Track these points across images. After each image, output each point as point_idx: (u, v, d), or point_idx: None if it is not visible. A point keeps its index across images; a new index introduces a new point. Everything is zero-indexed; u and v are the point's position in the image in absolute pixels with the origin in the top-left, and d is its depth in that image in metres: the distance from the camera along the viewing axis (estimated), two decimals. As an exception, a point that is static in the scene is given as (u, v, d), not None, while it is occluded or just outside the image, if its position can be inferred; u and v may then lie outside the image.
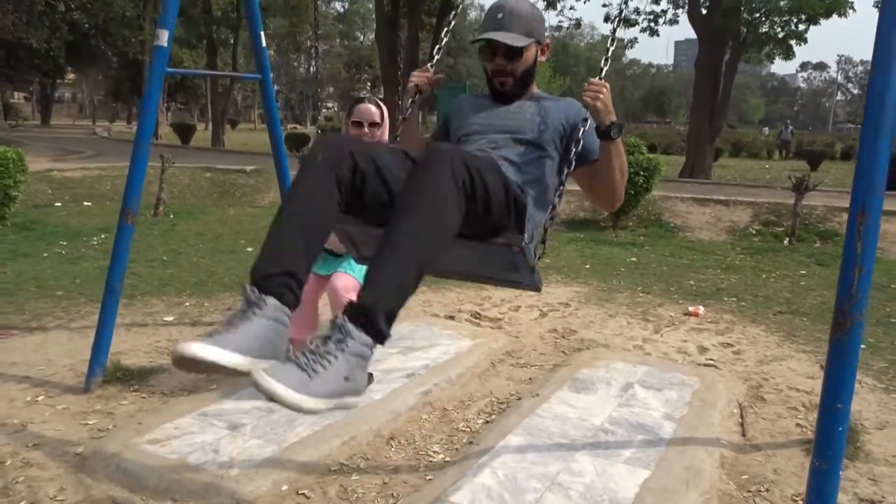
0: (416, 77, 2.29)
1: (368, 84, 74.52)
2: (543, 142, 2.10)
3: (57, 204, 9.96)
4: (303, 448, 2.90)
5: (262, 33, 4.10)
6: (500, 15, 2.13)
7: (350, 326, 1.52)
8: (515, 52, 2.14)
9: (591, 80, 2.01)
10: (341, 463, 2.87)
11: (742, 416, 3.47)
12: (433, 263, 1.63)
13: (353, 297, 3.27)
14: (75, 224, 8.35)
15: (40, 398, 3.40)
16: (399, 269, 1.56)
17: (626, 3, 2.45)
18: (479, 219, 1.71)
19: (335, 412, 1.80)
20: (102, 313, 3.55)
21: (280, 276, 1.63)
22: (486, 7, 2.29)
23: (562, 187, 1.99)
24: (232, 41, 27.13)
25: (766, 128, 61.12)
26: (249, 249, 7.37)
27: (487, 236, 1.83)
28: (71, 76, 50.83)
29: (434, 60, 2.44)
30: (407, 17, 21.67)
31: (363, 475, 2.80)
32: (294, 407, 1.46)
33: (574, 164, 1.98)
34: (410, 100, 2.29)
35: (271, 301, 1.61)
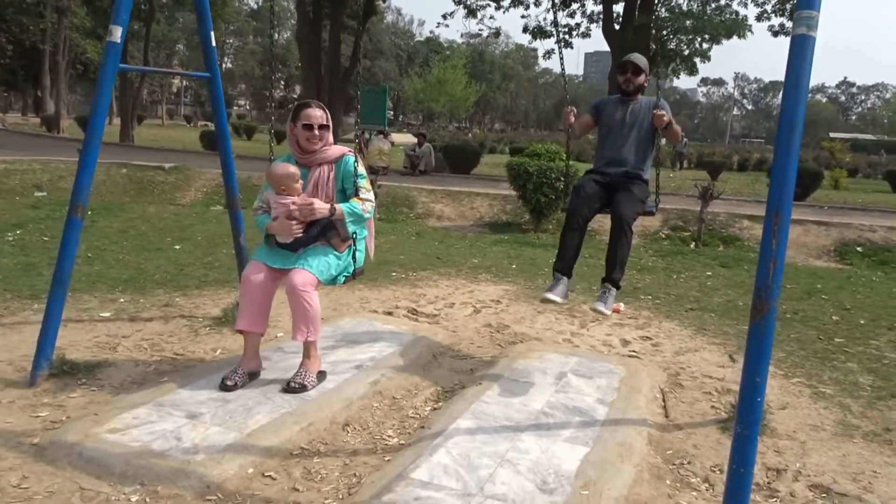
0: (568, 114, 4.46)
1: (283, 83, 73.25)
2: (644, 130, 4.25)
3: (-39, 198, 9.43)
4: (264, 434, 3.01)
5: (212, 33, 4.16)
6: (631, 57, 4.25)
7: (611, 287, 4.02)
8: (637, 71, 4.21)
9: (660, 111, 4.02)
10: (302, 447, 3.00)
11: (664, 400, 3.83)
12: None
13: (312, 292, 3.44)
14: (-15, 219, 7.96)
15: (-17, 393, 3.35)
16: (622, 260, 4.05)
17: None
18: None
19: (292, 402, 3.06)
20: (49, 306, 3.53)
21: (565, 268, 4.03)
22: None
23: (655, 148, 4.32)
24: (143, 34, 26.11)
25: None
26: (178, 247, 7.28)
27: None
28: (-41, 62, 47.41)
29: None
30: (329, 18, 21.61)
31: (324, 458, 2.94)
32: (604, 314, 3.93)
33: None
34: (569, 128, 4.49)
35: (563, 278, 3.98)
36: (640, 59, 4.18)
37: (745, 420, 2.28)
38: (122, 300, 5.09)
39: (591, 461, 2.93)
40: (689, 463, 3.09)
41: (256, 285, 3.50)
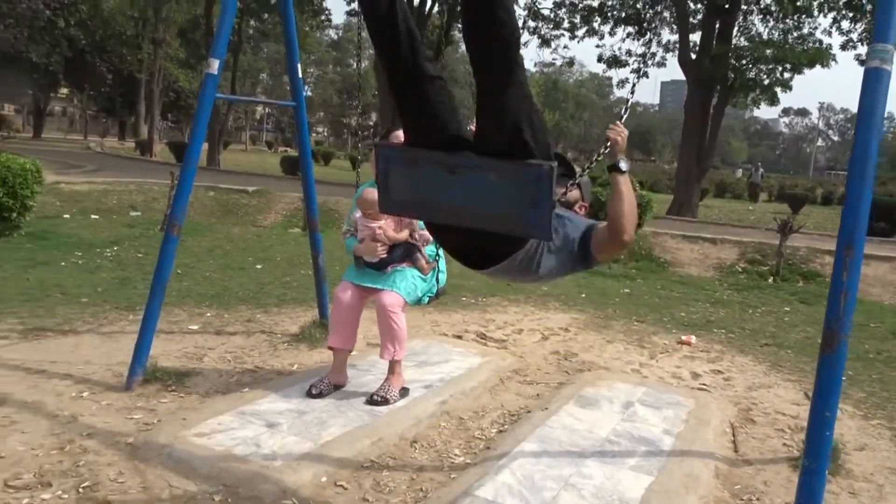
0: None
1: (360, 111, 75.26)
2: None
3: (66, 216, 10.15)
4: (337, 445, 3.16)
5: (299, 65, 4.43)
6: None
7: None
8: (568, 182, 2.44)
9: (618, 123, 2.37)
10: (372, 460, 3.13)
11: (734, 435, 3.77)
12: None
13: (399, 313, 3.58)
14: (87, 236, 8.55)
15: (85, 394, 3.63)
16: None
17: (644, 62, 2.84)
18: (521, 117, 1.89)
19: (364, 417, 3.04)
20: (146, 317, 3.81)
21: None
22: None
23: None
24: (231, 63, 27.45)
25: (740, 169, 61.46)
26: (259, 267, 7.63)
27: (518, 148, 1.90)
28: (64, 90, 50.99)
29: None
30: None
31: (393, 472, 3.06)
32: None
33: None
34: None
35: None
36: None
37: (814, 454, 2.27)
38: (208, 314, 5.40)
39: (656, 490, 2.93)
40: (757, 499, 3.05)
41: (346, 305, 3.72)
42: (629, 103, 2.45)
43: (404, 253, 3.73)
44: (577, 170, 2.48)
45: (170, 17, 31.72)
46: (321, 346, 4.61)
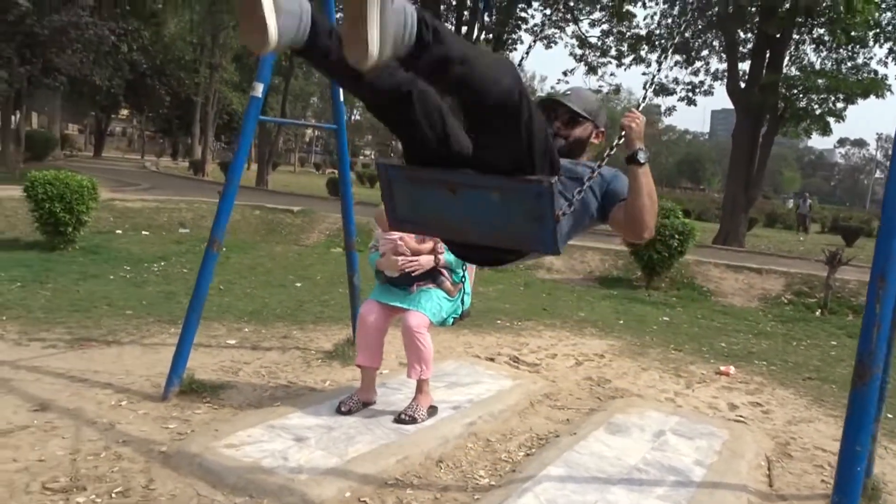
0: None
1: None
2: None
3: (118, 231, 10.53)
4: (362, 462, 3.19)
5: (341, 90, 4.55)
6: (568, 91, 2.40)
7: None
8: (573, 119, 2.31)
9: (633, 110, 2.22)
10: (396, 478, 3.15)
11: (769, 469, 3.67)
12: None
13: (425, 333, 3.59)
14: (136, 251, 8.85)
15: (123, 403, 3.76)
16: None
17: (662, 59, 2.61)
18: (519, 136, 1.74)
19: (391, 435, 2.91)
20: (184, 329, 3.93)
21: None
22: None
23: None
24: (283, 88, 28.23)
25: (791, 200, 59.44)
26: (298, 285, 7.77)
27: (520, 168, 1.79)
28: (124, 112, 53.06)
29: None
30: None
31: (416, 490, 3.07)
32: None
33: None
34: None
35: None
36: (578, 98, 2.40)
37: (843, 490, 2.21)
38: (246, 330, 5.52)
39: (683, 521, 2.88)
40: (790, 535, 2.96)
41: (371, 324, 3.78)
42: (650, 89, 2.24)
43: (427, 274, 3.76)
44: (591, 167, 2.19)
45: (227, 44, 32.84)
46: (353, 363, 4.66)
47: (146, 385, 4.06)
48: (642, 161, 2.09)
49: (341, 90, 4.58)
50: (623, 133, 2.12)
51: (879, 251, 2.28)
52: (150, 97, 37.96)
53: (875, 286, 2.26)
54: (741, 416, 4.50)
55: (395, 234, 3.73)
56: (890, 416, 4.71)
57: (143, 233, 10.75)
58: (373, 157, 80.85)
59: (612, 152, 2.14)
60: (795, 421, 4.51)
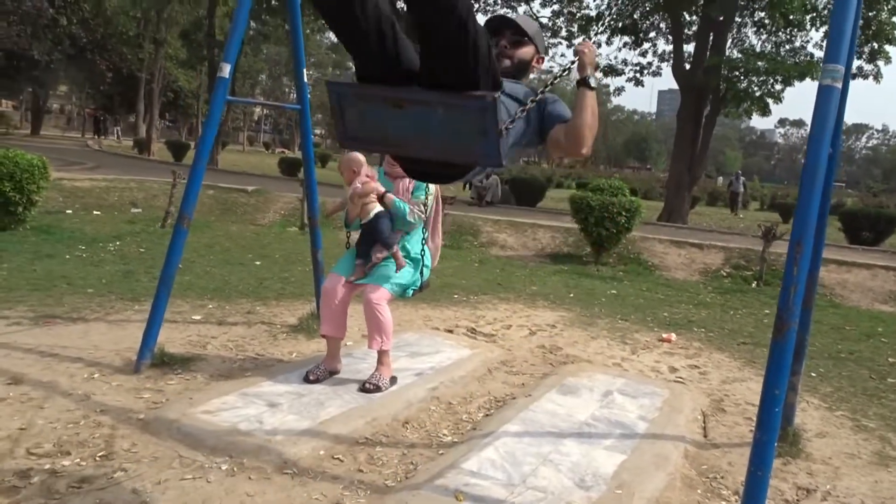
0: None
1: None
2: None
3: (68, 211, 10.37)
4: (333, 424, 3.41)
5: (305, 70, 4.68)
6: (512, 14, 2.52)
7: None
8: (518, 40, 2.37)
9: (586, 39, 2.42)
10: (366, 437, 3.38)
11: (705, 422, 4.03)
12: None
13: (384, 305, 3.80)
14: (90, 231, 8.78)
15: (96, 376, 3.87)
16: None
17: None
18: (466, 54, 1.82)
19: (359, 400, 3.35)
20: (155, 302, 4.06)
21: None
22: None
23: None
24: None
25: (720, 177, 61.36)
26: (258, 263, 7.87)
27: (465, 84, 1.87)
28: (63, 88, 51.18)
29: None
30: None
31: (385, 448, 3.31)
32: None
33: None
34: None
35: None
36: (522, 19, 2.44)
37: (765, 427, 2.53)
38: (210, 306, 5.63)
39: (627, 467, 3.19)
40: (722, 477, 3.31)
41: (335, 296, 3.96)
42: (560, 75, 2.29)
43: (383, 241, 3.98)
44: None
45: (172, 18, 31.97)
46: (319, 336, 4.84)
47: (116, 359, 4.17)
48: (593, 86, 2.19)
49: (304, 70, 4.71)
50: (577, 59, 2.22)
51: (797, 220, 2.58)
52: (90, 73, 36.75)
53: (793, 251, 2.57)
54: (681, 378, 4.87)
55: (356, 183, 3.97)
56: (814, 374, 5.16)
57: (95, 212, 10.62)
58: (322, 136, 79.90)
59: (565, 73, 2.29)
60: (729, 381, 4.90)
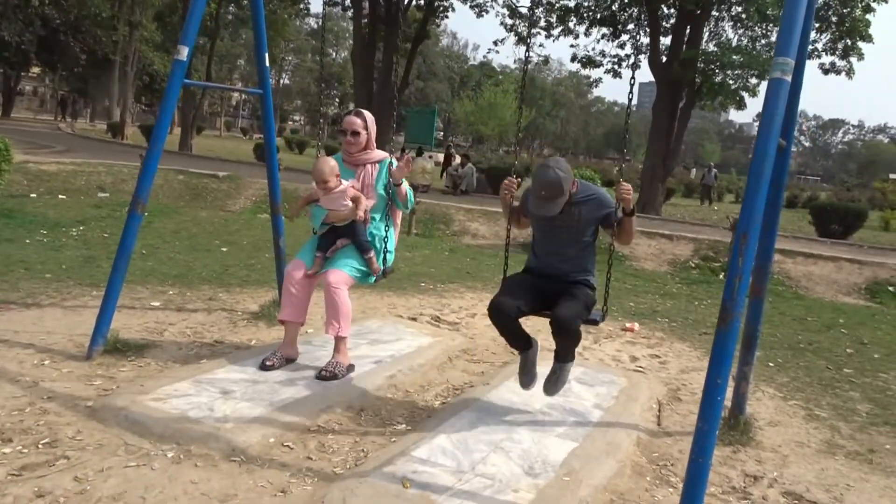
0: (507, 189, 3.68)
1: (337, 100, 75.09)
2: (584, 234, 3.65)
3: (32, 195, 10.18)
4: (287, 411, 3.38)
5: (266, 53, 4.61)
6: (544, 192, 3.36)
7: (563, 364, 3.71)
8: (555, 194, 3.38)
9: (624, 183, 3.39)
10: (319, 425, 3.36)
11: (659, 411, 4.07)
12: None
13: (344, 290, 3.79)
14: (53, 215, 8.63)
15: (46, 362, 3.81)
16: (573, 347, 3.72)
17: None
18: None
19: (314, 387, 3.56)
20: (109, 288, 3.99)
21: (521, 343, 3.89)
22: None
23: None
24: (208, 48, 27.31)
25: (694, 169, 62.91)
26: (224, 250, 7.79)
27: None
28: (35, 70, 50.14)
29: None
30: (384, 40, 22.34)
31: (338, 436, 3.29)
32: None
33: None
34: (510, 207, 3.79)
35: (528, 352, 3.83)
36: (554, 182, 3.31)
37: (706, 416, 2.56)
38: (171, 292, 5.57)
39: (578, 454, 3.21)
40: (672, 465, 3.34)
41: (297, 281, 3.92)
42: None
43: (360, 244, 3.96)
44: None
45: (146, 0, 31.42)
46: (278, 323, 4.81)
47: (69, 345, 4.10)
48: (635, 214, 3.48)
49: (267, 53, 4.64)
50: (621, 204, 3.45)
51: (744, 212, 2.60)
52: (63, 55, 36.06)
53: (738, 242, 2.59)
54: (640, 367, 4.91)
55: (343, 186, 3.92)
56: (771, 364, 5.23)
57: (60, 196, 10.43)
58: (301, 122, 79.21)
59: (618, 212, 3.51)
60: (688, 370, 4.95)
